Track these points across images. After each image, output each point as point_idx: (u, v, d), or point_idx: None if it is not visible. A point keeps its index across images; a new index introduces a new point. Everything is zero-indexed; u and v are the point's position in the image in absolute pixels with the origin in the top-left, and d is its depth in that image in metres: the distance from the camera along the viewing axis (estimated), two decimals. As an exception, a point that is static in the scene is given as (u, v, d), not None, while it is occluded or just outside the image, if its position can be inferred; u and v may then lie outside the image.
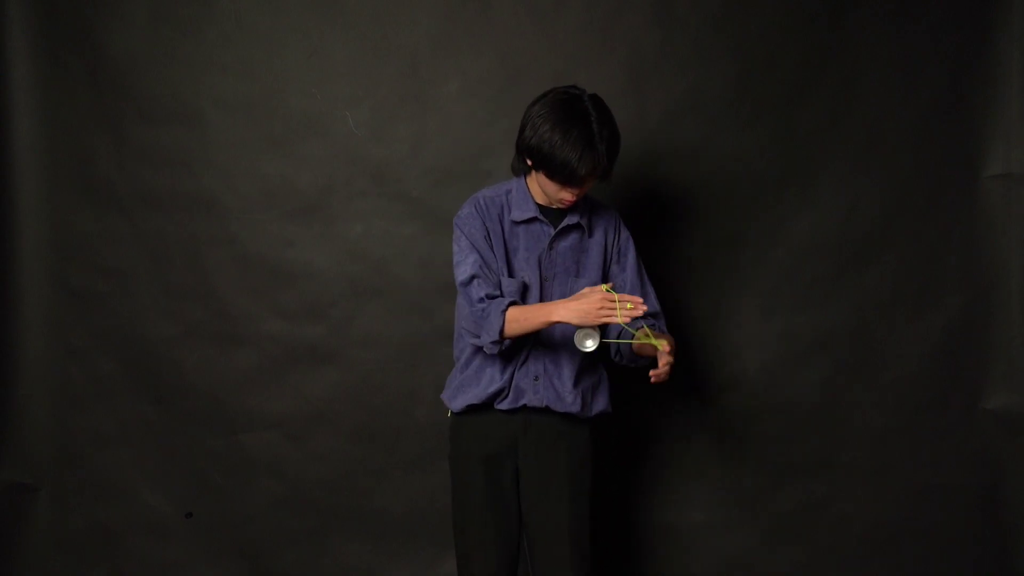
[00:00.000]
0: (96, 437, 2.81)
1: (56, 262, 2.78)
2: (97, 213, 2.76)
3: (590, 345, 2.04)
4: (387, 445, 2.79)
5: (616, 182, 2.68)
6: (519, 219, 2.16)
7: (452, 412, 2.26)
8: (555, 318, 2.00)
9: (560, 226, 2.16)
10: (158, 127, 2.72)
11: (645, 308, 1.95)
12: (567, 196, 2.08)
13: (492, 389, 2.16)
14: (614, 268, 2.25)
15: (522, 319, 2.04)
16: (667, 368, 2.02)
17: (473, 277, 2.11)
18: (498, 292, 2.12)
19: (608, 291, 1.96)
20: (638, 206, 2.71)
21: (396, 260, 2.74)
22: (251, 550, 2.81)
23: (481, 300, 2.09)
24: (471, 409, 2.20)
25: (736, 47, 2.68)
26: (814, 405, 2.78)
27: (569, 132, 1.98)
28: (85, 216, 2.76)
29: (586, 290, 2.00)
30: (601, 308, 1.94)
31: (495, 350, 2.10)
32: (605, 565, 2.77)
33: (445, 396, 2.27)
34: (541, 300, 2.16)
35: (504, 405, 2.17)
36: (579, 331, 2.04)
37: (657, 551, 2.83)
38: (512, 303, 2.07)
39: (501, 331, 2.05)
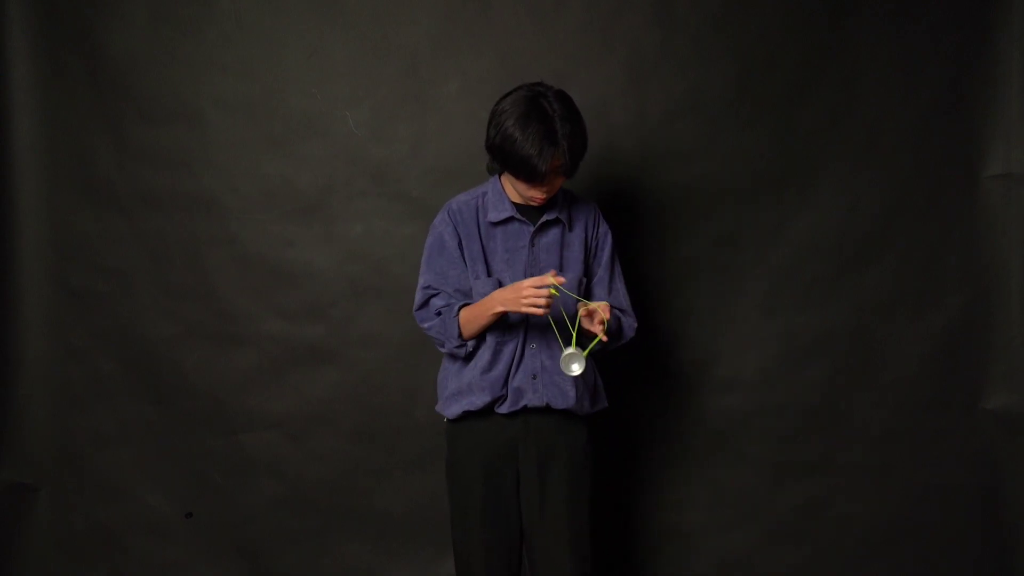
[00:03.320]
0: (96, 437, 2.81)
1: (56, 262, 2.78)
2: (97, 213, 2.76)
3: (575, 369, 2.02)
4: (387, 445, 2.79)
5: (616, 182, 2.69)
6: (496, 220, 2.16)
7: (448, 419, 2.24)
8: (496, 310, 2.04)
9: (539, 222, 2.16)
10: (158, 127, 2.72)
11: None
12: (536, 194, 2.08)
13: (489, 397, 2.14)
14: (591, 262, 2.24)
15: (471, 318, 2.10)
16: (599, 326, 2.01)
17: (428, 299, 2.18)
18: (452, 300, 2.16)
19: (553, 280, 1.96)
20: (638, 206, 2.71)
21: (396, 260, 2.73)
22: (251, 550, 2.82)
23: (439, 313, 2.16)
24: (468, 415, 2.18)
25: (736, 47, 2.68)
26: (814, 405, 2.78)
27: (528, 129, 1.98)
28: (85, 216, 2.76)
29: (520, 282, 2.01)
30: (525, 298, 1.95)
31: (462, 352, 2.15)
32: (605, 565, 2.77)
33: (439, 407, 2.25)
34: None
35: (504, 408, 2.16)
36: (565, 355, 2.03)
37: (657, 551, 2.83)
38: (463, 305, 2.12)
39: (459, 334, 2.11)
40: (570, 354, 2.02)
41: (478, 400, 2.15)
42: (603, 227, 2.27)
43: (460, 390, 2.19)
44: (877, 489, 2.79)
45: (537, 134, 1.97)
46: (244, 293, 2.76)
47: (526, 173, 2.02)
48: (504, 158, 2.04)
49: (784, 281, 2.76)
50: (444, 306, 2.16)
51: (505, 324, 2.14)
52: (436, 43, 2.68)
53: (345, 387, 2.78)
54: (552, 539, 2.17)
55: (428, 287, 2.18)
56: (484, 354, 2.15)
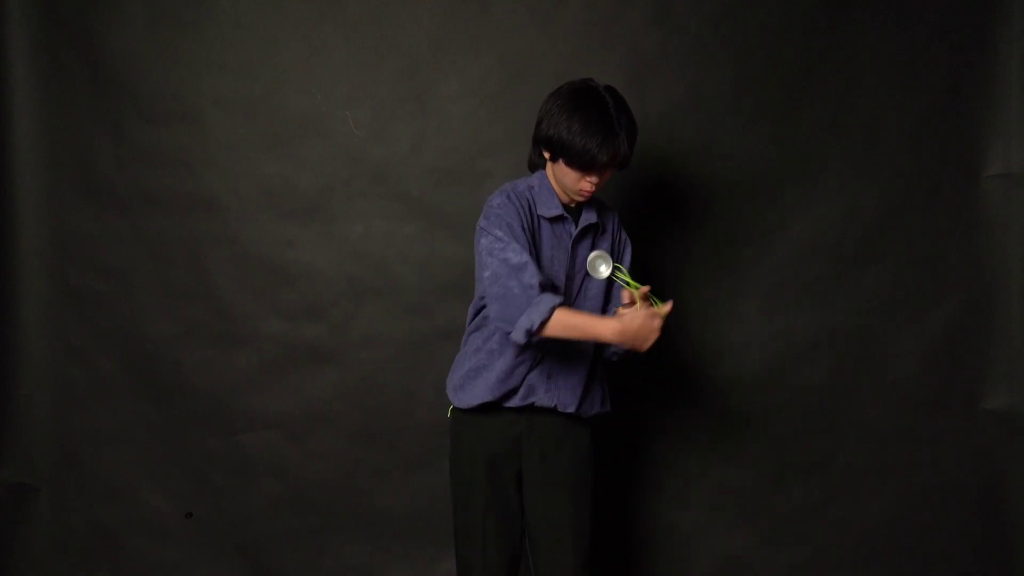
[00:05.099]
0: (96, 437, 2.80)
1: (56, 262, 2.78)
2: (97, 213, 2.76)
3: (604, 271, 2.09)
4: (387, 445, 2.79)
5: (615, 182, 2.69)
6: (547, 215, 2.13)
7: (456, 408, 2.20)
8: (604, 339, 1.96)
9: (581, 225, 2.16)
10: (158, 127, 2.72)
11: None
12: (586, 186, 2.08)
13: (505, 387, 2.11)
14: None
15: (568, 326, 1.97)
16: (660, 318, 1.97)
17: (527, 262, 2.00)
18: (548, 283, 2.06)
19: (654, 303, 2.01)
20: (638, 206, 2.71)
21: (396, 260, 2.73)
22: (251, 550, 2.82)
23: (533, 287, 1.98)
24: (480, 407, 2.14)
25: (736, 47, 2.69)
26: (814, 405, 2.78)
27: (589, 119, 2.00)
28: (85, 216, 2.76)
29: (635, 313, 1.95)
30: (652, 332, 1.94)
31: (523, 340, 1.97)
32: (605, 565, 2.77)
33: (450, 389, 2.19)
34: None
35: (513, 402, 2.14)
36: (592, 256, 2.11)
37: (657, 551, 2.83)
38: (563, 303, 1.98)
39: (543, 324, 1.95)
40: (598, 254, 2.12)
41: (495, 389, 2.10)
42: (623, 235, 2.29)
43: (472, 375, 2.14)
44: (877, 489, 2.79)
45: (599, 124, 2.00)
46: (244, 293, 2.76)
47: (584, 163, 2.02)
48: (562, 149, 2.03)
49: (784, 281, 2.76)
50: (542, 284, 1.98)
51: None
52: (436, 43, 2.68)
53: (345, 387, 2.78)
54: (554, 537, 2.17)
55: (529, 251, 2.02)
56: (506, 348, 2.12)
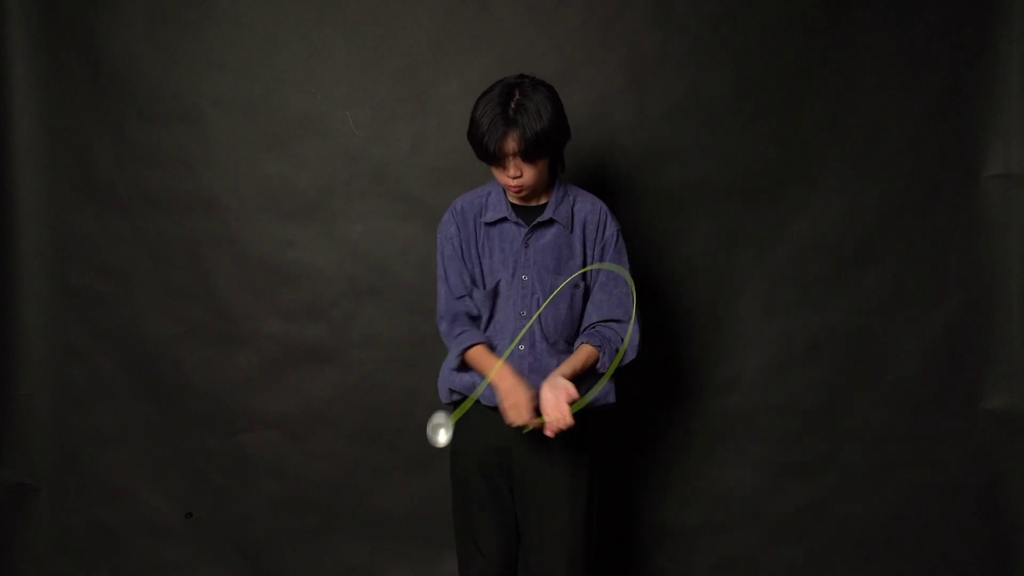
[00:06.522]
0: (96, 437, 2.81)
1: (56, 262, 2.78)
2: (97, 213, 2.76)
3: (442, 441, 2.03)
4: (387, 445, 2.79)
5: (615, 181, 2.69)
6: (489, 220, 2.19)
7: (447, 405, 2.26)
8: (498, 387, 2.08)
9: (532, 223, 2.17)
10: (158, 127, 2.73)
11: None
12: (507, 181, 2.11)
13: (462, 380, 2.20)
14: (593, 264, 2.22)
15: (476, 366, 2.17)
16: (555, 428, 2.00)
17: (445, 310, 2.22)
18: (473, 311, 2.20)
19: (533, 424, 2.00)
20: (637, 206, 2.71)
21: (396, 260, 2.74)
22: (251, 550, 2.82)
23: (449, 334, 2.22)
24: (457, 403, 2.22)
25: (736, 47, 2.68)
26: (814, 405, 2.78)
27: (484, 112, 2.05)
28: (85, 216, 2.77)
29: (519, 399, 2.03)
30: (509, 409, 2.03)
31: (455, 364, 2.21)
32: (606, 565, 2.77)
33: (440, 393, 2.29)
34: (521, 298, 2.16)
35: (495, 402, 2.16)
36: (431, 422, 2.04)
37: (657, 551, 2.83)
38: (474, 344, 2.15)
39: (459, 365, 2.20)
40: (437, 424, 2.04)
41: (466, 381, 2.20)
42: (610, 229, 2.22)
43: (445, 373, 2.25)
44: (877, 489, 2.79)
45: (491, 115, 2.03)
46: (244, 293, 2.76)
47: (479, 153, 2.08)
48: (469, 140, 2.09)
49: (784, 281, 2.76)
50: (460, 333, 2.19)
51: (492, 326, 2.19)
52: (436, 43, 2.68)
53: (345, 387, 2.78)
54: (542, 536, 2.17)
55: (449, 294, 2.21)
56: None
